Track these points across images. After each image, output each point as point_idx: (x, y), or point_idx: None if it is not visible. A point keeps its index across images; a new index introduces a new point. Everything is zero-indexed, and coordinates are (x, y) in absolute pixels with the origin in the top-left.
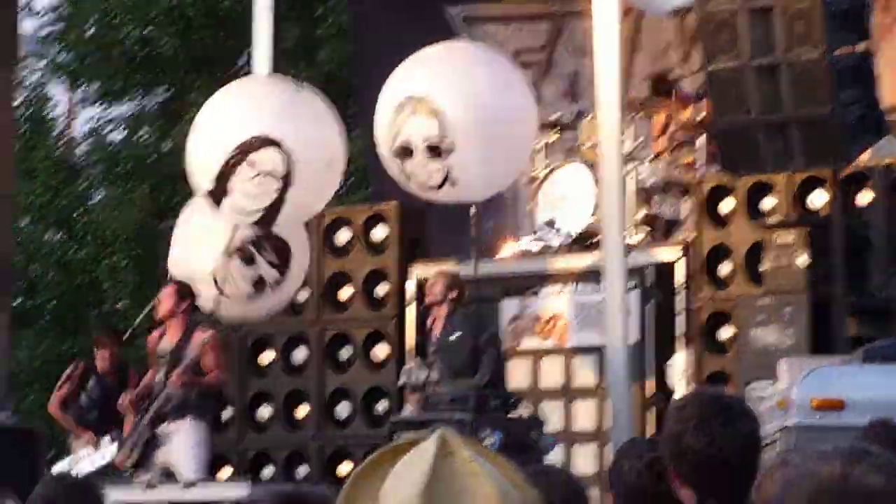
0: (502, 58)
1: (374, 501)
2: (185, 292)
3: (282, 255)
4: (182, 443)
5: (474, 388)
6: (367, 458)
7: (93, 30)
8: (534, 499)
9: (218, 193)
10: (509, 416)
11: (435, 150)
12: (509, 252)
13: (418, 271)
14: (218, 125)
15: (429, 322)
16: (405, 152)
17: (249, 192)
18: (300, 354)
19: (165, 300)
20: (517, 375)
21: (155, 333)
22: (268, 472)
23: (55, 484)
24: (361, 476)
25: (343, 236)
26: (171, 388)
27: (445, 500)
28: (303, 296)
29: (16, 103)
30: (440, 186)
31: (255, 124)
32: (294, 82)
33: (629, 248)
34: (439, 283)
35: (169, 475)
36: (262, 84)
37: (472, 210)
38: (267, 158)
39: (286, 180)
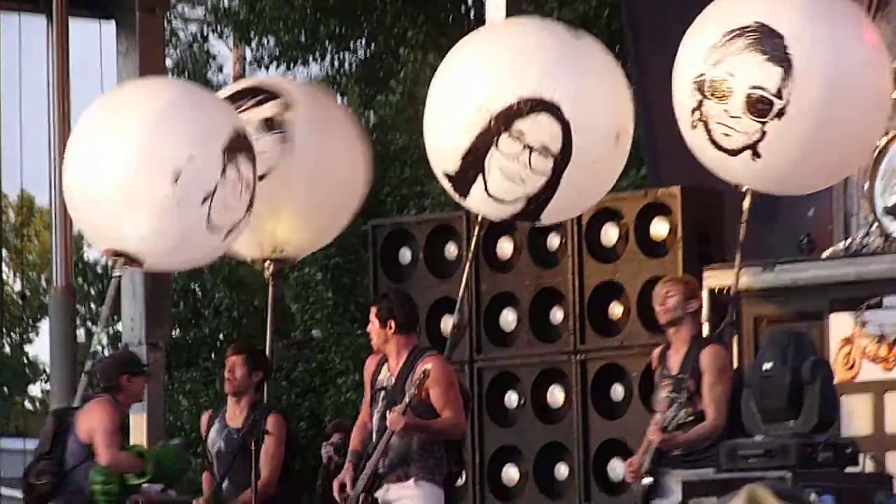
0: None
1: None
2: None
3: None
4: None
5: (796, 436)
6: None
7: None
8: None
9: (465, 177)
10: (845, 471)
11: (762, 105)
12: (839, 250)
13: (713, 280)
14: (468, 85)
15: (654, 355)
16: (717, 87)
17: (512, 173)
18: (556, 394)
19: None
20: (855, 417)
21: (373, 358)
22: None
23: None
24: None
25: (610, 234)
26: (389, 434)
27: None
28: (558, 316)
29: (168, 63)
30: (736, 152)
31: (520, 84)
32: (569, 28)
33: None
34: (673, 291)
35: None
36: (524, 31)
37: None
38: (539, 128)
39: (562, 158)
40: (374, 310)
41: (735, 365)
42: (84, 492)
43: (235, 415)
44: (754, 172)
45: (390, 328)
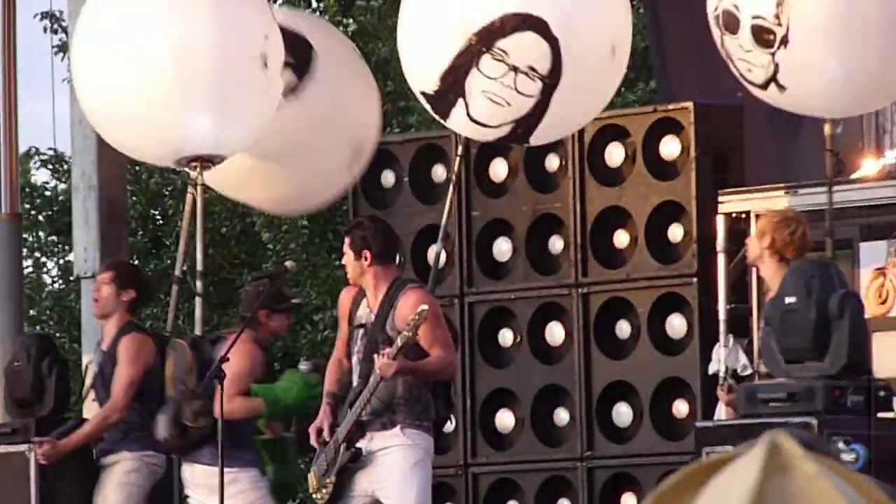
0: None
1: None
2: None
3: (299, 52)
4: (394, 467)
5: (822, 378)
6: (665, 483)
7: None
8: None
9: (444, 99)
10: (878, 417)
11: (766, 35)
12: (871, 170)
13: (730, 206)
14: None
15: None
16: (729, 20)
17: (496, 95)
18: (555, 332)
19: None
20: (889, 357)
21: (348, 291)
22: None
23: None
24: None
25: (615, 154)
26: (377, 381)
27: None
28: (558, 245)
29: None
30: (764, 85)
31: None
32: None
33: None
34: (769, 225)
35: None
36: None
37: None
38: (525, 47)
39: (551, 79)
40: (347, 240)
41: (753, 300)
42: None
43: (105, 337)
44: (791, 104)
45: (366, 259)
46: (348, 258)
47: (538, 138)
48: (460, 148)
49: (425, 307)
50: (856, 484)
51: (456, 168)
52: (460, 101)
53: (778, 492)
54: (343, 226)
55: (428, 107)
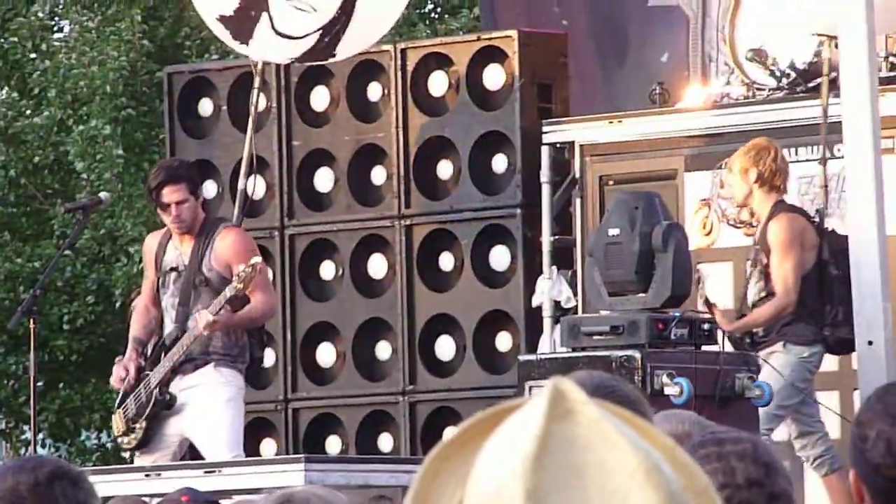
0: None
1: (459, 490)
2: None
3: None
4: (205, 404)
5: (646, 310)
6: (450, 434)
7: None
8: (702, 486)
9: (246, 17)
10: (702, 350)
11: None
12: (696, 100)
13: (554, 136)
14: None
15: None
16: None
17: (302, 2)
18: (378, 264)
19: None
20: (714, 288)
21: (154, 237)
22: (334, 443)
23: (22, 476)
24: (444, 455)
25: (439, 84)
26: (196, 335)
27: (564, 481)
28: (380, 176)
29: None
30: None
31: None
32: None
33: (884, 88)
34: (727, 179)
35: (189, 453)
36: None
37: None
38: None
39: None
40: (183, 185)
41: (577, 232)
42: None
43: None
44: None
45: (199, 199)
46: (191, 203)
47: (344, 50)
48: (257, 80)
49: (258, 259)
50: (638, 427)
51: (255, 99)
52: (264, 15)
53: (563, 437)
54: (158, 156)
55: (226, 35)
